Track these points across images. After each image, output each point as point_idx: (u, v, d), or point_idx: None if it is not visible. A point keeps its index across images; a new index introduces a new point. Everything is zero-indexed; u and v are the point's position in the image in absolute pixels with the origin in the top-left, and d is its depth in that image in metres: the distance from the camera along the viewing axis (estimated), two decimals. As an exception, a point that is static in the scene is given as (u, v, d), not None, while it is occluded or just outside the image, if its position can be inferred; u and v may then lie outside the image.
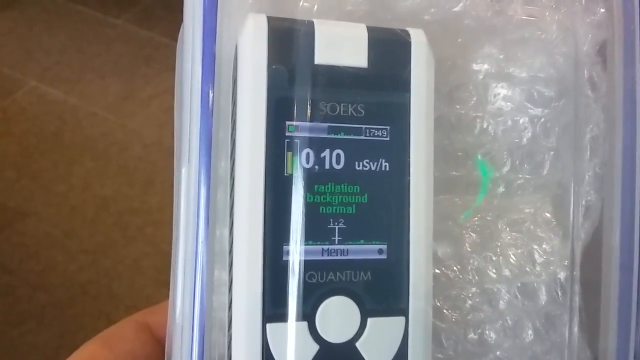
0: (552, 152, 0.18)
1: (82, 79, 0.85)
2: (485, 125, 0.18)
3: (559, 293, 0.18)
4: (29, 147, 0.79)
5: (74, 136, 0.79)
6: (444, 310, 0.17)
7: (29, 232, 0.71)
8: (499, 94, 0.18)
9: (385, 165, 0.15)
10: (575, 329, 0.18)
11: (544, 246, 0.18)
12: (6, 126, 0.80)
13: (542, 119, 0.18)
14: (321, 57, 0.14)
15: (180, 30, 0.15)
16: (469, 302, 0.17)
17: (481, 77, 0.18)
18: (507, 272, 0.18)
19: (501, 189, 0.18)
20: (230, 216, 0.15)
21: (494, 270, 0.18)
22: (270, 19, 0.14)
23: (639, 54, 0.17)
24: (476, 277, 0.18)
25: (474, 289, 0.18)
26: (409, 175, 0.15)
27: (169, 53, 0.15)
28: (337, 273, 0.14)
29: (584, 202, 0.18)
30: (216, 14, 0.15)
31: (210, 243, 0.15)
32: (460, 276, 0.17)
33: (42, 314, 0.65)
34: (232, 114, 0.15)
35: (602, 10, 0.17)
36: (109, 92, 0.84)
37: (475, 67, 0.18)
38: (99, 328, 0.17)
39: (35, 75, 0.85)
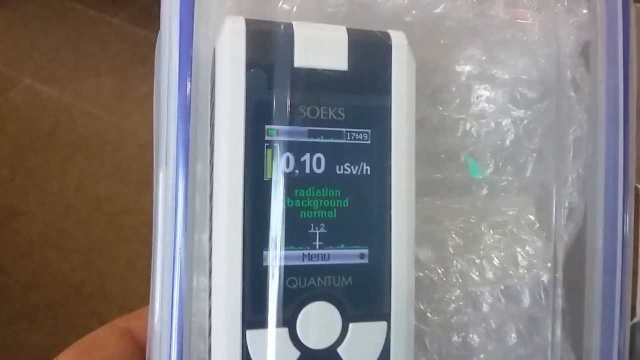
0: (535, 154, 0.18)
1: (77, 77, 0.85)
2: (468, 127, 0.18)
3: (542, 296, 0.18)
4: (22, 145, 0.78)
5: (68, 135, 0.79)
6: (428, 314, 0.17)
7: (22, 230, 0.71)
8: (481, 95, 0.18)
9: (367, 169, 0.15)
10: (559, 332, 0.18)
11: (527, 248, 0.18)
12: (0, 124, 0.80)
13: (525, 121, 0.18)
14: (301, 60, 0.14)
15: (159, 33, 0.15)
16: (453, 305, 0.17)
17: (464, 78, 0.18)
18: (490, 275, 0.18)
19: (484, 191, 0.18)
20: (209, 221, 0.15)
21: (477, 273, 0.18)
22: (248, 22, 0.14)
23: (621, 55, 0.17)
24: (460, 280, 0.17)
25: (457, 292, 0.17)
26: (391, 179, 0.15)
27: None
28: (318, 278, 0.14)
29: (567, 204, 0.18)
30: (193, 17, 0.15)
31: (189, 248, 0.14)
32: (444, 279, 0.17)
33: (34, 314, 0.65)
34: (211, 118, 0.15)
35: (585, 11, 0.17)
36: (103, 90, 0.83)
37: (457, 68, 0.17)
38: (91, 328, 0.16)
39: (30, 73, 0.85)
